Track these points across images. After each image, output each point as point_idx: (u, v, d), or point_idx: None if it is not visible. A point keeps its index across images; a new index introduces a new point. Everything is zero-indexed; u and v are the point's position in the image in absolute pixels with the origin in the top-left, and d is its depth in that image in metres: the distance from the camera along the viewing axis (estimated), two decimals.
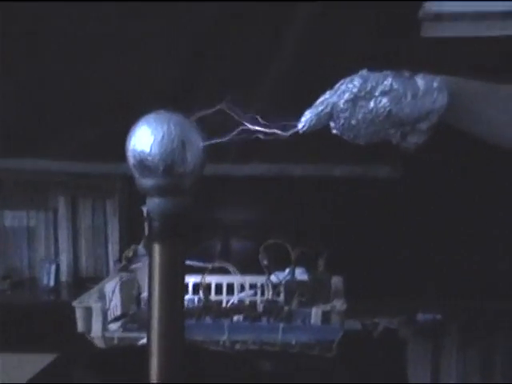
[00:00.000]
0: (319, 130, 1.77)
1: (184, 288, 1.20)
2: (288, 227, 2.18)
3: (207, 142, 1.17)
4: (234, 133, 1.18)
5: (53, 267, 2.50)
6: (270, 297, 1.75)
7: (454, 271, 2.19)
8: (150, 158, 1.14)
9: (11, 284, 2.49)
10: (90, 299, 1.68)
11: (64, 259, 2.54)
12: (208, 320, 1.68)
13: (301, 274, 1.80)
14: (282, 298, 1.75)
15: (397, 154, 2.21)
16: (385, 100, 1.08)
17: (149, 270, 1.21)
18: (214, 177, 2.17)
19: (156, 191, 1.16)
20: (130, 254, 1.85)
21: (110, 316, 1.71)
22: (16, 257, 2.57)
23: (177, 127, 1.15)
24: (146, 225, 2.02)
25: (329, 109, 1.10)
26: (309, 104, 1.13)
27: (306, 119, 1.12)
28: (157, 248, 1.19)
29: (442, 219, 2.26)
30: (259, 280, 1.86)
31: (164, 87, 2.21)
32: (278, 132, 1.15)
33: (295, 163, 2.23)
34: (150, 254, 1.20)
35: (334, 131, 1.12)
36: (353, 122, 1.10)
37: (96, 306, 1.64)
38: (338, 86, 1.12)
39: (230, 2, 2.14)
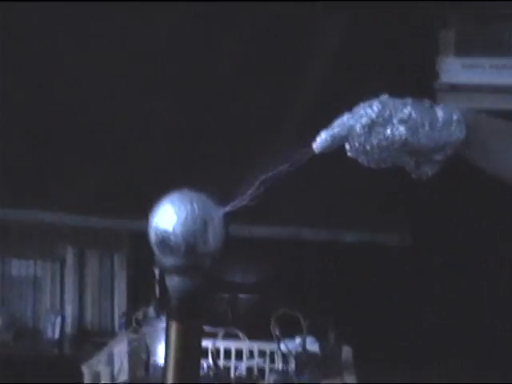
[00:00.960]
0: (331, 198, 1.77)
1: (200, 367, 1.19)
2: (298, 292, 2.17)
3: (230, 206, 1.17)
4: (255, 186, 1.18)
5: (58, 319, 2.48)
6: (279, 366, 1.74)
7: (466, 338, 2.17)
8: (172, 238, 1.14)
9: (14, 335, 2.47)
10: (99, 363, 1.67)
11: (69, 311, 2.52)
12: None
13: (311, 344, 1.79)
14: (292, 368, 1.74)
15: (406, 222, 2.22)
16: (402, 128, 1.08)
17: (165, 348, 1.20)
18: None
19: (176, 270, 1.16)
20: (140, 316, 1.84)
21: (118, 380, 1.70)
22: (21, 306, 2.55)
23: (200, 207, 1.15)
24: (156, 287, 2.03)
25: (345, 132, 1.10)
26: None
27: (322, 139, 1.12)
28: (174, 326, 1.19)
29: (450, 286, 2.25)
30: (268, 347, 1.85)
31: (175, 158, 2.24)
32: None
33: (307, 227, 2.23)
34: (166, 331, 1.20)
35: (349, 154, 1.12)
36: (367, 146, 1.10)
37: (105, 371, 1.63)
38: (356, 109, 1.12)
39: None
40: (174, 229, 1.14)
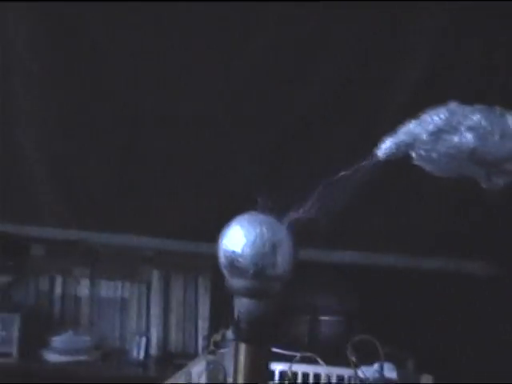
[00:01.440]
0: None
1: None
2: (379, 318, 2.14)
3: (295, 214, 1.16)
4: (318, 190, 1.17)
5: (143, 340, 2.53)
6: None
7: None
8: (241, 260, 1.15)
9: (102, 355, 2.53)
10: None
11: (154, 333, 2.57)
12: None
13: (389, 371, 1.76)
14: None
15: (491, 249, 2.16)
16: (470, 136, 1.05)
17: (234, 369, 1.21)
18: (306, 262, 2.19)
19: (245, 292, 1.17)
20: (219, 338, 1.86)
21: None
22: (108, 327, 2.62)
23: (269, 230, 1.16)
24: (235, 310, 2.04)
25: (410, 139, 1.08)
26: None
27: (386, 147, 1.10)
28: (243, 348, 1.20)
29: None
30: (346, 372, 1.83)
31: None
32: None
33: (387, 253, 2.21)
34: (235, 352, 1.21)
35: (415, 162, 1.09)
36: (434, 155, 1.07)
37: None
38: (423, 116, 1.09)
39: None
40: (242, 251, 1.15)
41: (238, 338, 1.20)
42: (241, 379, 1.20)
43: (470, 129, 1.05)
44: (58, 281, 2.63)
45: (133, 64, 2.34)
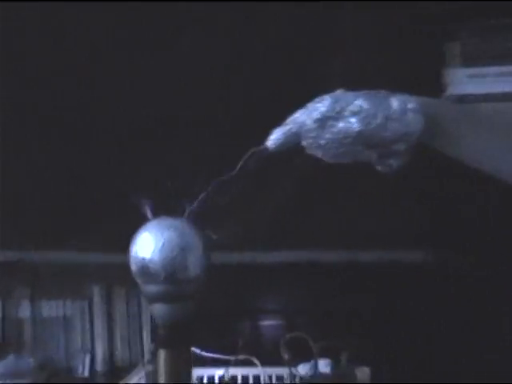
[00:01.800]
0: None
1: None
2: (312, 316, 2.15)
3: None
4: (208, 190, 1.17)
5: (88, 357, 2.50)
6: None
7: (490, 363, 2.11)
8: (151, 266, 1.16)
9: (48, 376, 2.49)
10: None
11: (100, 348, 2.54)
12: None
13: (325, 366, 1.77)
14: None
15: (429, 238, 2.18)
16: (354, 120, 1.07)
17: (156, 376, 1.21)
18: (240, 264, 2.19)
19: (159, 298, 1.18)
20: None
21: None
22: (53, 347, 2.58)
23: (177, 234, 1.16)
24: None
25: (297, 128, 1.10)
26: None
27: (274, 138, 1.11)
28: (162, 354, 1.19)
29: (477, 305, 2.19)
30: (286, 372, 1.84)
31: None
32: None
33: (324, 249, 2.21)
34: (156, 359, 1.20)
35: (307, 151, 1.11)
36: (321, 141, 1.09)
37: None
38: (309, 104, 1.11)
39: None
40: (152, 256, 1.16)
41: (157, 343, 1.20)
42: None
43: (354, 113, 1.07)
44: None
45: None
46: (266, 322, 2.17)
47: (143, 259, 1.16)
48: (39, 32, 2.28)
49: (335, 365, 1.74)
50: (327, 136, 1.08)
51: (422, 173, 2.13)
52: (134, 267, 1.18)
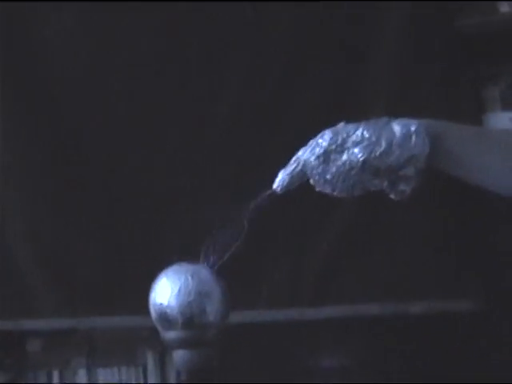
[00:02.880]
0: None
1: None
2: (366, 371, 2.10)
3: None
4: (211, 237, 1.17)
5: None
6: None
7: None
8: (168, 311, 1.15)
9: None
10: None
11: None
12: None
13: None
14: None
15: (478, 286, 2.12)
16: (357, 150, 1.06)
17: None
18: (285, 322, 2.16)
19: (178, 344, 1.17)
20: None
21: None
22: None
23: (194, 278, 1.16)
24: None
25: (301, 166, 1.09)
26: None
27: (279, 180, 1.11)
28: None
29: None
30: None
31: None
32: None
33: (371, 302, 2.17)
34: None
35: (317, 189, 1.10)
36: (328, 176, 1.08)
37: None
38: (310, 142, 1.10)
39: None
40: (169, 302, 1.15)
41: None
42: None
43: (356, 144, 1.06)
44: (56, 374, 2.61)
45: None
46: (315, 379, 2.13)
47: (161, 305, 1.16)
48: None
49: None
50: (333, 170, 1.07)
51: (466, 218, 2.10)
52: (153, 314, 1.18)
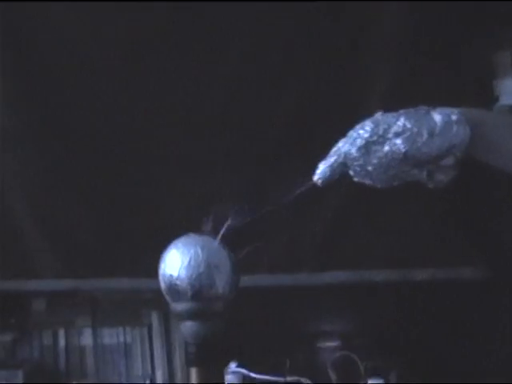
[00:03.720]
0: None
1: None
2: (365, 336, 2.10)
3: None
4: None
5: (148, 383, 2.51)
6: None
7: None
8: (178, 283, 1.15)
9: None
10: None
11: (159, 374, 2.55)
12: None
13: None
14: None
15: (481, 254, 2.12)
16: (399, 141, 1.04)
17: None
18: (288, 287, 2.17)
19: (187, 315, 1.17)
20: None
21: None
22: (114, 373, 2.60)
23: (204, 251, 1.16)
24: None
25: (342, 158, 1.07)
26: None
27: (320, 172, 1.09)
28: (194, 372, 1.19)
29: None
30: None
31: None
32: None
33: (376, 269, 2.17)
34: (188, 377, 1.20)
35: (355, 179, 1.08)
36: (369, 168, 1.06)
37: None
38: (350, 133, 1.08)
39: None
40: (179, 273, 1.15)
41: (188, 362, 1.19)
42: None
43: (397, 134, 1.04)
44: (61, 333, 2.63)
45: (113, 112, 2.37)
46: (318, 344, 2.14)
47: (171, 276, 1.16)
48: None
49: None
50: (374, 161, 1.05)
51: (470, 189, 2.09)
52: (162, 285, 1.18)
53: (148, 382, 2.52)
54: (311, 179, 1.11)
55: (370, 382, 1.70)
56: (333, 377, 1.69)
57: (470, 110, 1.08)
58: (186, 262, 1.15)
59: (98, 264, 2.47)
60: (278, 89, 2.22)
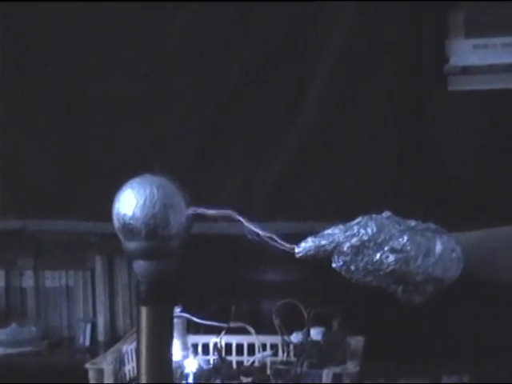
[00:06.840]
0: None
1: (171, 351, 1.19)
2: (306, 286, 2.13)
3: (193, 211, 1.16)
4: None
5: (88, 327, 2.52)
6: (284, 358, 1.72)
7: (480, 334, 2.08)
8: (132, 222, 1.15)
9: (49, 344, 2.51)
10: (104, 361, 1.68)
11: (101, 318, 2.56)
12: (217, 382, 1.66)
13: (318, 335, 1.76)
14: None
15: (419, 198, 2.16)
16: (392, 258, 1.02)
17: (137, 334, 1.21)
18: (229, 235, 2.18)
19: (140, 254, 1.17)
20: None
21: (126, 378, 1.71)
22: (55, 316, 2.60)
23: (160, 191, 1.15)
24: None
25: (331, 246, 1.05)
26: None
27: (305, 246, 1.07)
28: (144, 311, 1.19)
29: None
30: (279, 340, 1.83)
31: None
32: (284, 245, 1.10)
33: (324, 220, 2.20)
34: (137, 316, 1.20)
35: (333, 265, 1.06)
36: (352, 267, 1.04)
37: (108, 368, 1.64)
38: (351, 224, 1.05)
39: None
40: (133, 213, 1.15)
41: (139, 301, 1.19)
42: (144, 344, 1.19)
43: (394, 251, 1.02)
44: (1, 273, 2.61)
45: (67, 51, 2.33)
46: (263, 292, 2.17)
47: (125, 215, 1.15)
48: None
49: (327, 333, 1.73)
50: (360, 264, 1.03)
51: None
52: (116, 224, 1.17)
53: (89, 325, 2.53)
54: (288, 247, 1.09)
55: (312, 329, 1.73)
56: (276, 324, 1.72)
57: (471, 235, 1.06)
58: (141, 202, 1.14)
59: (46, 205, 2.45)
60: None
